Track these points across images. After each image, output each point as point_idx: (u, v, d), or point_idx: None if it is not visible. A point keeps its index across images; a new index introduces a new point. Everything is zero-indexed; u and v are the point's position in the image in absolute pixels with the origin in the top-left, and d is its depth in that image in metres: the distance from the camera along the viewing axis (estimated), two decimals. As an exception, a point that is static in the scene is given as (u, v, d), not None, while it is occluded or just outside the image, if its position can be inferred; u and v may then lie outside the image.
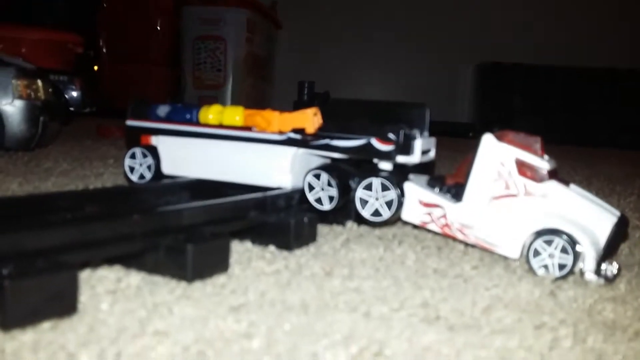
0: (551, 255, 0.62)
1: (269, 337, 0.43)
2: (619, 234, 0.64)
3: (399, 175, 0.71)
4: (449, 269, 0.63)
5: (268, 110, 0.76)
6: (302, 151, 0.75)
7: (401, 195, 0.68)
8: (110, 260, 0.55)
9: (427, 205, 0.68)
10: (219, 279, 0.54)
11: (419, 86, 3.95)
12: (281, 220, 0.66)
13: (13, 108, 1.18)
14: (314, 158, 0.77)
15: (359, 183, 0.70)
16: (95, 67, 2.95)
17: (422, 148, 0.70)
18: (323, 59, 3.92)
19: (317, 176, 0.72)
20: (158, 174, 0.81)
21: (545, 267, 0.62)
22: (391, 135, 0.68)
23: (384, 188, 0.69)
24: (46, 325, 0.42)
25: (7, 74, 1.20)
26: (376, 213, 0.70)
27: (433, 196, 0.68)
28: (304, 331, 0.45)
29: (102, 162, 1.19)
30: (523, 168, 0.64)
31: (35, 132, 1.23)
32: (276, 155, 0.75)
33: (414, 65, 4.04)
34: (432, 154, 0.75)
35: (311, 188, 0.73)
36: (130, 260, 0.54)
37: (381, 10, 4.00)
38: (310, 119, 0.72)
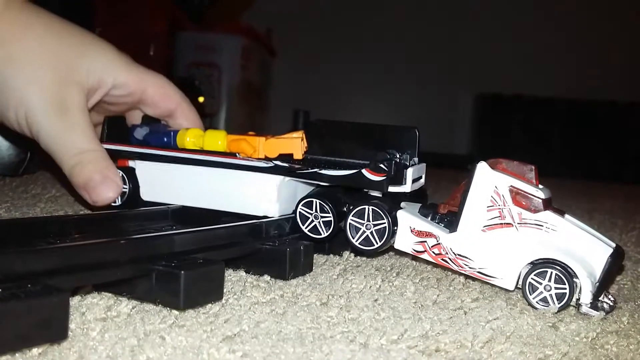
0: (547, 288, 0.61)
1: (265, 368, 0.42)
2: (615, 265, 0.63)
3: (391, 202, 0.69)
4: (449, 301, 0.61)
5: (252, 135, 0.73)
6: (288, 179, 0.72)
7: (393, 223, 0.67)
8: (101, 288, 0.53)
9: (420, 234, 0.66)
10: (213, 308, 0.53)
11: (417, 116, 3.97)
12: (277, 249, 0.65)
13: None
14: (301, 185, 0.75)
15: (350, 210, 0.68)
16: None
17: (413, 176, 0.68)
18: (319, 87, 3.94)
19: (309, 204, 0.70)
20: (133, 199, 0.78)
21: (543, 300, 0.61)
22: (382, 166, 0.66)
23: (376, 216, 0.67)
24: (35, 351, 0.40)
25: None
26: (367, 241, 0.68)
27: (427, 225, 0.66)
28: (300, 362, 0.43)
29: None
30: (517, 197, 0.63)
31: (25, 157, 1.21)
32: (262, 183, 0.72)
33: (412, 94, 4.06)
34: (422, 180, 0.73)
35: (304, 218, 0.71)
36: (121, 287, 0.53)
37: (379, 39, 4.03)
38: (297, 145, 0.70)
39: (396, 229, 0.67)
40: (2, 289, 0.40)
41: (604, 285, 0.62)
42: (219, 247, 0.62)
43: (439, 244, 0.66)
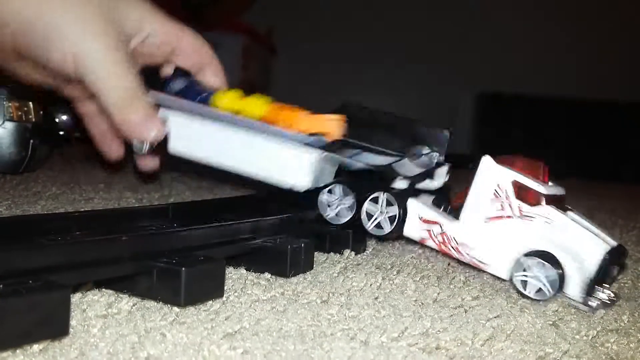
0: (536, 278, 0.62)
1: (266, 364, 0.42)
2: (613, 263, 0.64)
3: (407, 192, 0.71)
4: (450, 299, 0.61)
5: (294, 108, 0.73)
6: (324, 156, 0.71)
7: (404, 212, 0.69)
8: (102, 285, 0.53)
9: (426, 222, 0.69)
10: (213, 305, 0.53)
11: (418, 114, 3.95)
12: (277, 247, 0.65)
13: (3, 130, 1.16)
14: (328, 166, 0.73)
15: (367, 197, 0.71)
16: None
17: (442, 175, 0.72)
18: (320, 86, 3.93)
19: (331, 191, 0.72)
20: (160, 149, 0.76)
21: (533, 289, 0.63)
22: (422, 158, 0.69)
23: (389, 203, 0.70)
24: (36, 347, 0.40)
25: (-1, 94, 1.18)
26: (378, 226, 0.71)
27: (433, 213, 0.69)
28: (300, 359, 0.43)
29: (92, 186, 1.17)
30: (519, 191, 0.65)
31: (25, 155, 1.21)
32: (299, 154, 0.70)
33: (413, 93, 4.06)
34: (445, 179, 0.76)
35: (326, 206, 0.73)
36: (122, 284, 0.53)
37: (380, 38, 4.03)
38: (336, 125, 0.71)
39: (406, 217, 0.70)
40: (3, 285, 0.40)
41: (597, 281, 0.62)
42: (220, 244, 0.62)
43: (443, 232, 0.68)
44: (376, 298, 0.60)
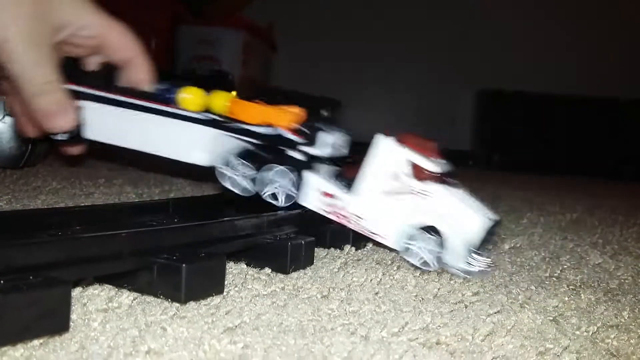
0: (421, 248, 0.67)
1: (265, 359, 0.42)
2: (492, 234, 0.71)
3: (303, 163, 0.74)
4: (450, 295, 0.62)
5: (254, 102, 0.76)
6: (223, 133, 0.76)
7: (296, 183, 0.73)
8: (102, 280, 0.53)
9: (324, 194, 0.72)
10: (214, 300, 0.53)
11: (418, 112, 3.96)
12: (278, 243, 0.65)
13: (3, 125, 1.16)
14: (233, 142, 0.77)
15: (262, 169, 0.74)
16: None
17: (329, 142, 0.74)
18: (320, 83, 3.93)
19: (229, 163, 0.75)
20: (78, 136, 0.81)
21: (420, 260, 0.68)
22: (299, 127, 0.72)
23: (283, 175, 0.73)
24: (36, 342, 0.40)
25: (-2, 91, 1.18)
26: (273, 197, 0.73)
27: (330, 186, 0.72)
28: (301, 354, 0.43)
29: (92, 181, 1.17)
30: (412, 168, 0.69)
31: (25, 149, 1.21)
32: (197, 132, 0.76)
33: (413, 90, 4.05)
34: (344, 150, 0.78)
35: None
36: (123, 279, 0.53)
37: (380, 35, 4.02)
38: (278, 116, 0.74)
39: (300, 189, 0.73)
40: (3, 280, 0.40)
41: (476, 249, 0.67)
42: (220, 240, 0.62)
43: (339, 203, 0.72)
44: (376, 293, 0.60)
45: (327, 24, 4.03)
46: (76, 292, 0.51)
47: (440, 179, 0.69)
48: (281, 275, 0.63)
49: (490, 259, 0.69)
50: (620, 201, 1.80)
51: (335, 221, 0.72)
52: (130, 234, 0.53)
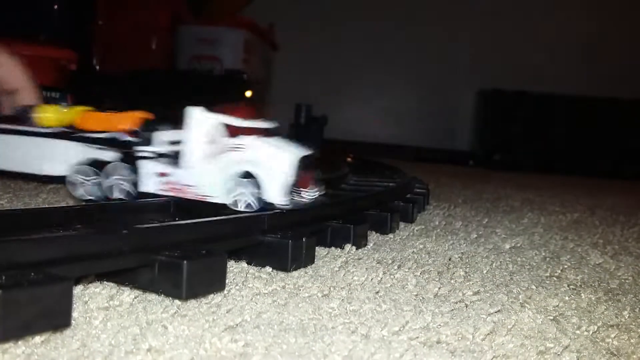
0: (243, 194, 0.72)
1: (266, 357, 0.42)
2: (306, 168, 0.74)
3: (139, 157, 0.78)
4: (450, 294, 0.62)
5: (101, 112, 0.81)
6: (72, 144, 0.80)
7: (137, 173, 0.77)
8: (103, 277, 0.53)
9: (160, 175, 0.77)
10: (215, 298, 0.53)
11: (418, 112, 3.96)
12: (279, 241, 0.65)
13: (5, 124, 1.17)
14: (83, 151, 0.81)
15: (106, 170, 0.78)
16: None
17: (171, 139, 0.78)
18: (321, 81, 3.93)
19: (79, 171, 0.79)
20: None
21: (243, 204, 0.72)
22: (134, 129, 0.77)
23: (121, 170, 0.78)
24: (38, 338, 0.40)
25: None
26: (121, 191, 0.77)
27: (162, 166, 0.77)
28: (301, 352, 0.43)
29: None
30: (224, 129, 0.74)
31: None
32: (47, 146, 0.81)
33: (414, 90, 4.05)
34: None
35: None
36: (124, 277, 0.53)
37: (382, 34, 4.02)
38: (111, 120, 0.79)
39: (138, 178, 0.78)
40: (6, 277, 0.40)
41: (292, 183, 0.71)
42: (221, 238, 0.62)
43: (172, 178, 0.76)
44: (377, 292, 0.60)
45: (329, 23, 4.04)
46: (78, 290, 0.51)
47: (254, 132, 0.74)
48: (282, 274, 0.63)
49: (312, 192, 0.74)
50: (621, 201, 1.80)
51: (175, 195, 0.76)
52: (132, 231, 0.53)
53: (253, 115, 0.77)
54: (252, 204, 0.71)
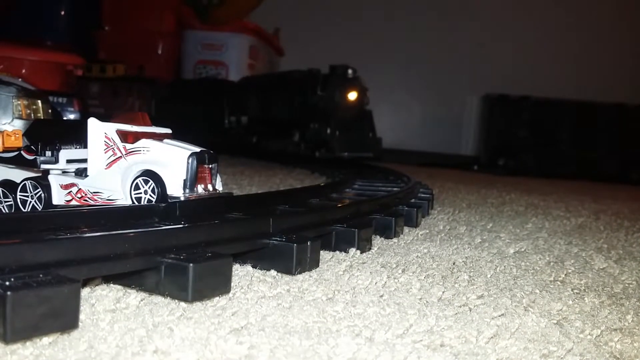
0: (145, 192, 0.75)
1: (271, 359, 0.42)
2: (203, 163, 0.77)
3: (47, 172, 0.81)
4: (454, 298, 0.62)
5: None
6: None
7: (48, 189, 0.79)
8: (110, 280, 0.54)
9: (66, 187, 0.80)
10: (220, 301, 0.53)
11: (424, 117, 3.96)
12: (284, 245, 0.65)
13: (12, 128, 1.17)
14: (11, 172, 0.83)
15: (16, 188, 0.81)
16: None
17: (70, 157, 0.82)
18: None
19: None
20: None
21: (146, 201, 0.75)
22: (34, 147, 0.80)
23: (35, 187, 0.80)
24: (46, 340, 0.41)
25: (8, 93, 1.19)
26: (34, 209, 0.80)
27: (68, 178, 0.80)
28: (306, 355, 0.44)
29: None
30: (122, 135, 0.78)
31: (33, 153, 1.22)
32: None
33: (419, 95, 4.06)
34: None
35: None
36: (130, 279, 0.53)
37: (387, 40, 4.03)
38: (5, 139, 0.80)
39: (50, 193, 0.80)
40: (14, 278, 0.41)
41: (189, 179, 0.75)
42: (227, 241, 0.62)
43: (79, 189, 0.79)
44: (381, 296, 0.60)
45: (334, 28, 4.04)
46: (84, 293, 0.51)
47: (149, 136, 0.79)
48: (287, 277, 0.63)
49: (212, 188, 0.78)
50: (626, 206, 1.80)
51: (84, 204, 0.79)
52: (138, 233, 0.53)
53: (149, 122, 0.82)
54: (152, 199, 0.75)
